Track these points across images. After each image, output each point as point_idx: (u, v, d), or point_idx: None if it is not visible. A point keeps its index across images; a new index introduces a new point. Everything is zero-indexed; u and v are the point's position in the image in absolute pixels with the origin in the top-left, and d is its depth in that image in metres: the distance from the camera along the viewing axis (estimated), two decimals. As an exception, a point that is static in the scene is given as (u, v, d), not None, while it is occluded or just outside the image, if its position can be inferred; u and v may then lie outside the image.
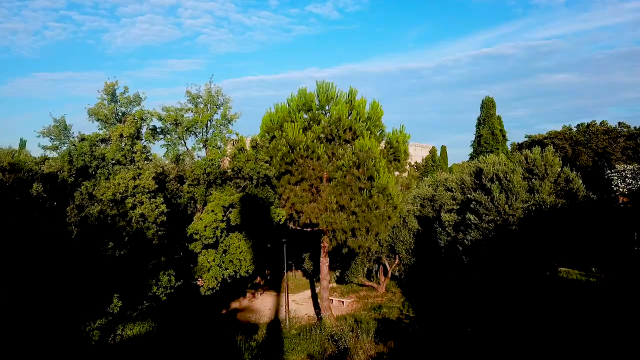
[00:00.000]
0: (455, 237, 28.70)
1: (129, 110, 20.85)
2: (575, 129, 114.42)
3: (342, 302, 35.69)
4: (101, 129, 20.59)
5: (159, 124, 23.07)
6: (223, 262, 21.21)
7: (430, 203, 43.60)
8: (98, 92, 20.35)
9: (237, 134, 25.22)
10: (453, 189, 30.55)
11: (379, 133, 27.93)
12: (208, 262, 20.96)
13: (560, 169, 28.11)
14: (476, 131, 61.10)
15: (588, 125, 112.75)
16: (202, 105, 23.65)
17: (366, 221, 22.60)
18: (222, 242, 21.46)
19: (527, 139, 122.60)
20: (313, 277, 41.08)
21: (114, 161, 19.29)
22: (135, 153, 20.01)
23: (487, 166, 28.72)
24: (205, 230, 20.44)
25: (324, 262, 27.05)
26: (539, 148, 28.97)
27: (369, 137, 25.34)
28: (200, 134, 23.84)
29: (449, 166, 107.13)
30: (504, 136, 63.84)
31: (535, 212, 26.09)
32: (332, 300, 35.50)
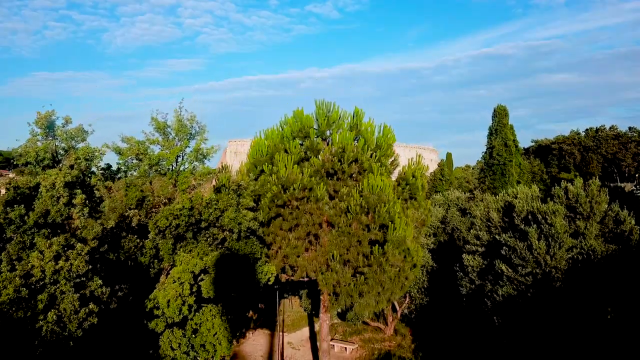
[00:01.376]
0: (481, 287, 23.68)
1: (72, 147, 15.76)
2: (584, 133, 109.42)
3: (345, 348, 30.71)
4: (37, 173, 15.44)
5: (118, 158, 18.12)
6: (192, 347, 16.28)
7: (442, 225, 39.13)
8: (29, 125, 15.24)
9: (214, 171, 20.05)
10: (478, 227, 25.49)
11: (390, 161, 22.89)
12: (172, 347, 15.98)
13: (607, 205, 23.09)
14: (487, 142, 55.97)
15: (597, 130, 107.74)
16: (172, 136, 18.58)
17: (378, 284, 17.59)
18: (191, 319, 16.52)
19: (533, 143, 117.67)
20: (312, 310, 36.05)
21: (40, 222, 14.23)
22: (75, 207, 14.91)
23: (519, 202, 23.67)
24: (168, 307, 15.50)
25: (324, 319, 21.99)
26: (581, 180, 23.89)
27: (380, 171, 20.31)
28: (170, 170, 18.73)
29: (453, 172, 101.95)
30: (516, 147, 58.71)
31: (581, 262, 21.07)
32: (333, 345, 30.56)
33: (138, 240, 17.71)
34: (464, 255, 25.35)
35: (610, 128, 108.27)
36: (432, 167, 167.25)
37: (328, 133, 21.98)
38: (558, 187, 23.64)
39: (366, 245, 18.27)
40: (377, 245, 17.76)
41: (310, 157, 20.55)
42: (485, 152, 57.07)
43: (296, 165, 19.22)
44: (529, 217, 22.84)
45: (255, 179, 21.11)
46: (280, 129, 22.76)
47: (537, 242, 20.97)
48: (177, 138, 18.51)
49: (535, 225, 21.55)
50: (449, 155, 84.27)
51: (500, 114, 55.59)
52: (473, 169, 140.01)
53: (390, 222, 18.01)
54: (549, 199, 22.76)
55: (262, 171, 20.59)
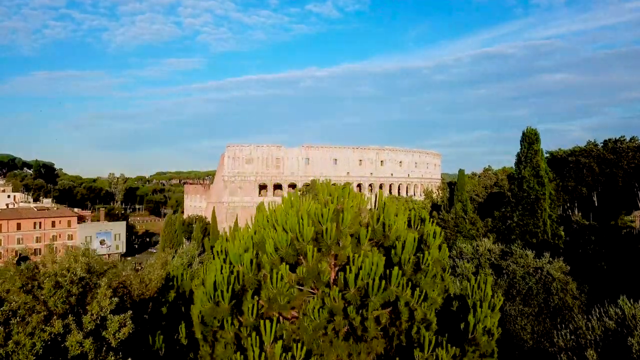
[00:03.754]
0: None
1: None
2: (602, 145, 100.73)
3: None
4: None
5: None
6: None
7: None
8: None
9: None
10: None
11: (439, 275, 13.97)
12: None
13: None
14: (516, 171, 47.19)
15: (616, 142, 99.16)
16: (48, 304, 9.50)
17: None
18: None
19: (547, 155, 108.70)
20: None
21: None
22: None
23: (637, 341, 14.82)
24: None
25: None
26: None
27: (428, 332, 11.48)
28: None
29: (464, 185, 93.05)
30: (549, 177, 49.94)
31: None
32: None
33: None
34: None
35: (630, 139, 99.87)
36: (436, 172, 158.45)
37: (339, 242, 13.10)
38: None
39: None
40: None
41: (313, 301, 11.65)
42: (514, 184, 48.22)
43: (280, 342, 10.26)
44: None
45: (214, 329, 12.19)
46: (262, 228, 14.00)
47: None
48: (56, 303, 9.56)
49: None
50: (461, 173, 75.10)
51: (530, 139, 46.67)
52: (480, 177, 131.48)
53: None
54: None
55: (222, 326, 11.65)
